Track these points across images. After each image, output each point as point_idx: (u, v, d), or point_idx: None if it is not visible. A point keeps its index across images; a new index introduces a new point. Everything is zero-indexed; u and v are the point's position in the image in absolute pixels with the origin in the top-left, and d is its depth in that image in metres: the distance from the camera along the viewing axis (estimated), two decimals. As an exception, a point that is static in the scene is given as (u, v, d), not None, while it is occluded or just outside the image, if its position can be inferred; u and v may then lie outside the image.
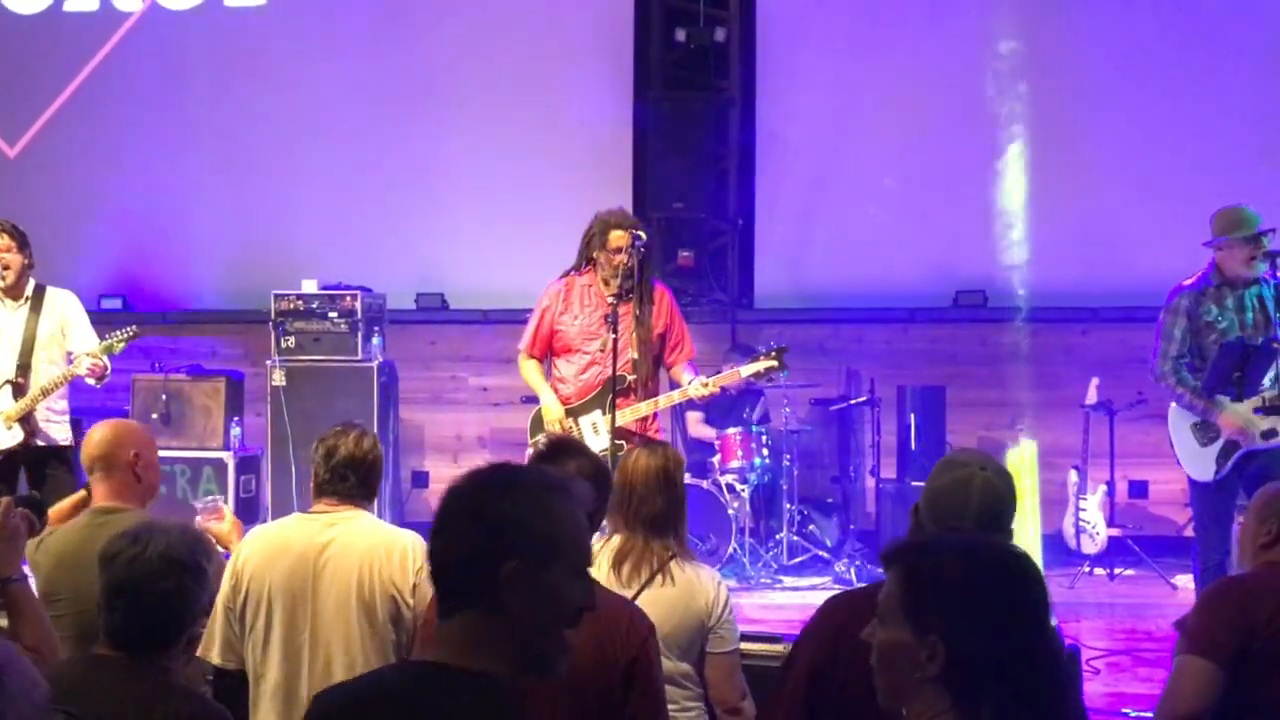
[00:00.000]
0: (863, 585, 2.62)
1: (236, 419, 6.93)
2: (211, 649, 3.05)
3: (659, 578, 2.85)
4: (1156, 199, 7.18)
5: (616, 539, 2.93)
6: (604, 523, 2.90)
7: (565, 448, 2.75)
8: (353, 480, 3.09)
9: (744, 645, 3.40)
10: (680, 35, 7.60)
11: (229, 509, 3.63)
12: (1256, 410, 4.49)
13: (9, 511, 2.64)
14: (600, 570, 2.81)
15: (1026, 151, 7.29)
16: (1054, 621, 3.59)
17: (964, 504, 2.28)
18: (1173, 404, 4.70)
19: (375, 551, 3.03)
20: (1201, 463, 4.58)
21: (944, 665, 1.60)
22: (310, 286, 6.80)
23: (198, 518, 3.44)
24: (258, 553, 3.09)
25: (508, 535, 1.62)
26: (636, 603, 2.68)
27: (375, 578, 3.00)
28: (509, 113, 7.78)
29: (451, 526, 1.66)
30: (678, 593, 2.88)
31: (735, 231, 7.77)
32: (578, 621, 1.66)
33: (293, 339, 6.73)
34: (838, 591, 2.77)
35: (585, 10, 7.84)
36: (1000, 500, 2.32)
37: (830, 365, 7.54)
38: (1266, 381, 4.49)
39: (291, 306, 6.75)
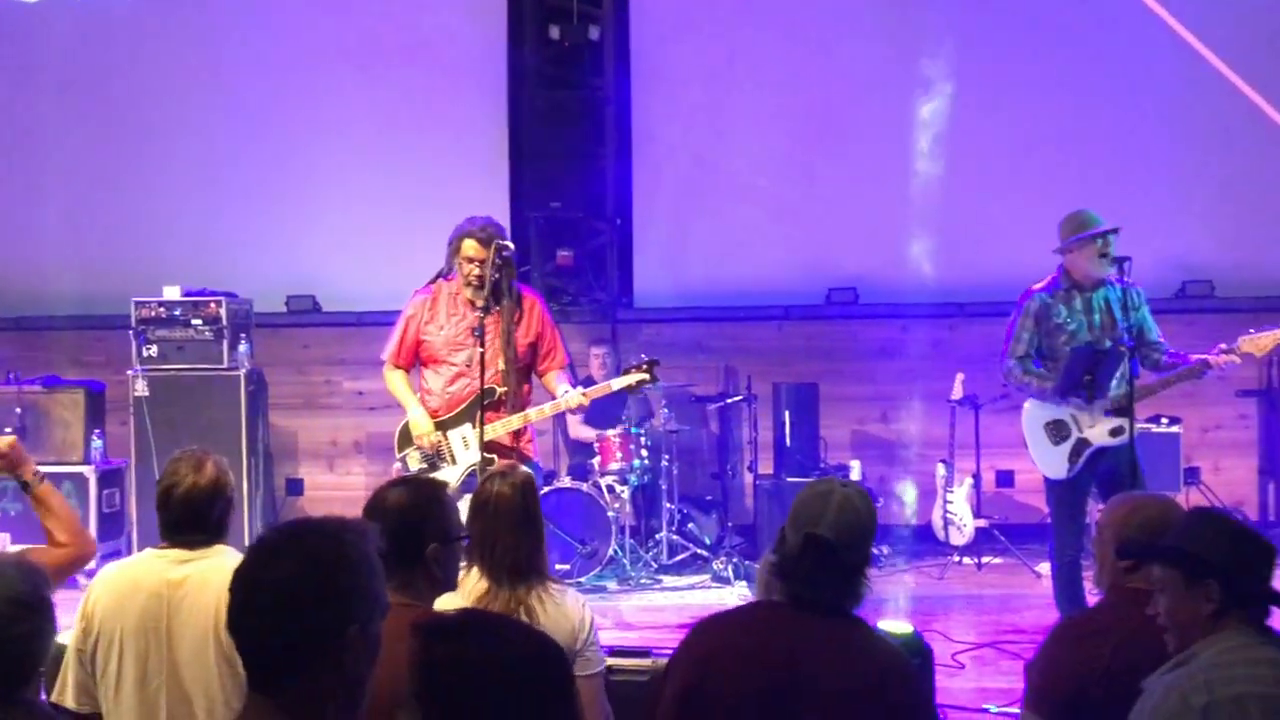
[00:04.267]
0: (731, 607, 2.67)
1: (98, 431, 6.70)
2: (65, 693, 2.92)
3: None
4: (1021, 199, 7.39)
5: (481, 584, 2.87)
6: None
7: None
8: (195, 524, 2.91)
9: (611, 661, 3.37)
10: (554, 33, 7.56)
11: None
12: (1106, 412, 4.65)
13: None
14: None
15: (896, 151, 7.43)
16: (909, 626, 3.69)
17: (821, 513, 2.37)
18: (1026, 404, 4.84)
19: None
20: (1054, 461, 4.73)
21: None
22: (173, 293, 6.59)
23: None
24: (108, 593, 2.94)
25: (355, 605, 1.70)
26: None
27: (232, 617, 2.89)
28: (381, 112, 7.64)
29: (285, 612, 1.67)
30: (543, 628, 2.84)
31: (614, 230, 7.77)
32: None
33: (155, 347, 6.52)
34: (711, 609, 2.81)
35: (457, 7, 7.73)
36: (856, 514, 2.39)
37: (708, 363, 7.61)
38: (1114, 382, 4.66)
39: (153, 314, 6.54)
